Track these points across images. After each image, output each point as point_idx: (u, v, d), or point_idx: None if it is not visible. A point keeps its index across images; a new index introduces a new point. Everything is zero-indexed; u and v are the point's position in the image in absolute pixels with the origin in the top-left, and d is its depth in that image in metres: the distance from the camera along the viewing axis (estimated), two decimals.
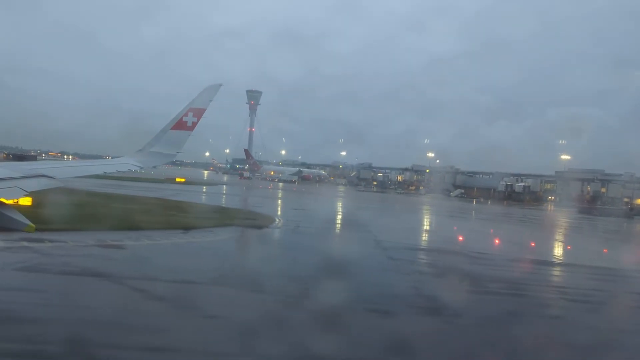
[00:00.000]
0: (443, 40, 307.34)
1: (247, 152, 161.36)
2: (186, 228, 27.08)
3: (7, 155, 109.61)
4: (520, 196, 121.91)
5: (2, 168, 8.53)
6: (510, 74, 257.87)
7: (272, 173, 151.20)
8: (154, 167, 15.17)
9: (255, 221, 32.57)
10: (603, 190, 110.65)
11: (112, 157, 14.99)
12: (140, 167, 13.09)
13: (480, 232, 40.58)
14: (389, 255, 24.23)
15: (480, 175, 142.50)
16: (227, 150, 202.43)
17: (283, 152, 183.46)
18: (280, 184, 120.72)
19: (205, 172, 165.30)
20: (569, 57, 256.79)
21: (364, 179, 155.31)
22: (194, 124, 13.70)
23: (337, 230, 33.01)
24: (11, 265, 16.59)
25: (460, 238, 33.48)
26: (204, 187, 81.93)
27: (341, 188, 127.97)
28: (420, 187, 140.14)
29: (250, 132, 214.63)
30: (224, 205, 47.03)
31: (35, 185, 7.99)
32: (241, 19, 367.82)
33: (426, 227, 46.06)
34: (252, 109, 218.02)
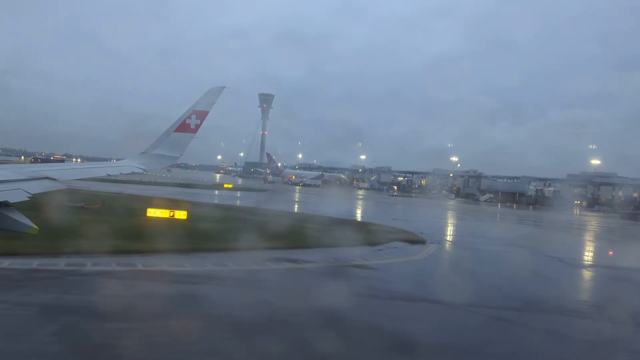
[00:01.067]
0: (447, 41, 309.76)
1: (269, 156, 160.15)
2: (369, 244, 27.11)
3: (35, 159, 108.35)
4: (549, 201, 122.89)
5: (6, 170, 8.53)
6: (514, 75, 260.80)
7: (293, 177, 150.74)
8: (168, 169, 14.94)
9: (405, 235, 32.36)
10: (635, 194, 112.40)
11: (117, 159, 14.82)
12: (143, 169, 13.12)
13: (605, 245, 40.39)
14: (604, 274, 24.11)
15: (505, 180, 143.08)
16: (242, 154, 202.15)
17: (300, 155, 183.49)
18: (304, 188, 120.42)
19: (217, 176, 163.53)
20: (573, 58, 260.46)
21: (384, 183, 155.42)
22: (197, 127, 13.64)
23: (498, 246, 32.99)
24: (355, 293, 16.56)
25: (610, 252, 33.83)
26: (261, 194, 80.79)
27: (360, 192, 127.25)
28: (443, 191, 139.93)
29: (263, 135, 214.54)
30: (329, 215, 46.20)
31: (38, 187, 8.00)
32: (245, 20, 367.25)
33: (548, 239, 44.55)
34: (265, 112, 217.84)
